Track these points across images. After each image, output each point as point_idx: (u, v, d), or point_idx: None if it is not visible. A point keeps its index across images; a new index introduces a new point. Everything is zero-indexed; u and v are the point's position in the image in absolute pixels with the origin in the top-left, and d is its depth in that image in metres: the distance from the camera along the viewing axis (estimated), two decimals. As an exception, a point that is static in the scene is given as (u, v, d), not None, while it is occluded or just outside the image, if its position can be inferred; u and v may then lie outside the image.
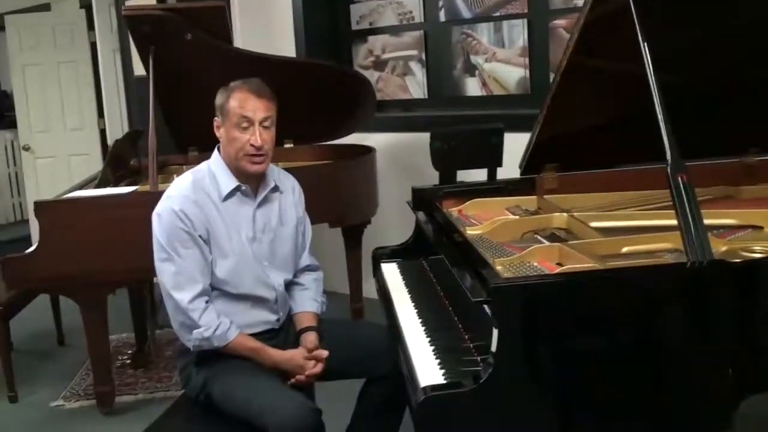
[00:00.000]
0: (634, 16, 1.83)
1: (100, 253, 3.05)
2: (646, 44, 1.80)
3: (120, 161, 3.86)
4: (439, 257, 2.25)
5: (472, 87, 4.39)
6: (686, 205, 1.63)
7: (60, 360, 4.08)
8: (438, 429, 1.54)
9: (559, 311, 1.54)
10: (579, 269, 1.78)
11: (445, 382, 1.65)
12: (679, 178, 1.66)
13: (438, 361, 1.79)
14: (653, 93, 1.76)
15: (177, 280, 2.15)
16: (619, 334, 1.56)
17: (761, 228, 2.20)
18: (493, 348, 1.52)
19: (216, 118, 2.25)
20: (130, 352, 3.95)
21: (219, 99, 2.24)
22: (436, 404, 1.52)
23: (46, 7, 6.62)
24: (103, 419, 3.30)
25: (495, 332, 1.52)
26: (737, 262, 1.64)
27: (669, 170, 1.68)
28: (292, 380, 2.19)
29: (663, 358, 1.56)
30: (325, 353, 2.21)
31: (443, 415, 1.52)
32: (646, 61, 1.78)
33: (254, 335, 2.24)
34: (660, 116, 1.74)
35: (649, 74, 1.78)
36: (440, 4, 4.46)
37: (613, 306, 1.57)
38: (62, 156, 6.44)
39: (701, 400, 1.57)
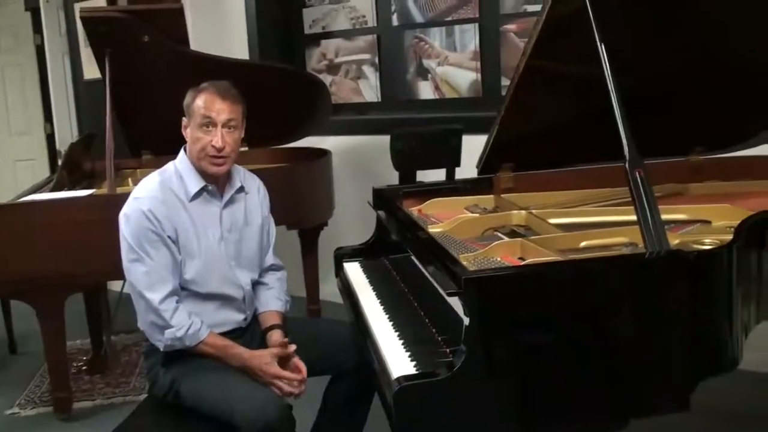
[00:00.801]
0: (591, 18, 1.90)
1: (57, 256, 3.02)
2: (603, 45, 1.87)
3: (75, 165, 3.82)
4: (402, 256, 2.30)
5: (425, 90, 4.46)
6: (644, 198, 1.71)
7: (13, 368, 4.02)
8: (414, 418, 1.58)
9: (529, 301, 1.60)
10: (546, 261, 1.85)
11: (417, 372, 1.69)
12: (637, 173, 1.74)
13: (408, 353, 1.84)
14: (611, 92, 1.84)
15: (147, 281, 2.16)
16: (584, 322, 1.62)
17: (709, 222, 2.31)
18: (465, 338, 1.58)
19: (184, 118, 2.27)
20: (85, 358, 3.91)
21: (187, 99, 2.25)
22: (411, 394, 1.56)
23: (-12, 11, 6.50)
24: (62, 425, 3.27)
25: (466, 321, 1.58)
26: (693, 252, 1.73)
27: (627, 166, 1.76)
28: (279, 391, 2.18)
29: (626, 343, 1.63)
30: (293, 347, 2.22)
31: (418, 404, 1.56)
32: (603, 62, 1.86)
33: (222, 334, 2.25)
34: (618, 115, 1.81)
35: (606, 74, 1.86)
36: (393, 8, 4.52)
37: (579, 295, 1.64)
38: (7, 161, 6.31)
39: (661, 384, 1.65)
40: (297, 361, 2.21)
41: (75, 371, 3.76)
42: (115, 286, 4.18)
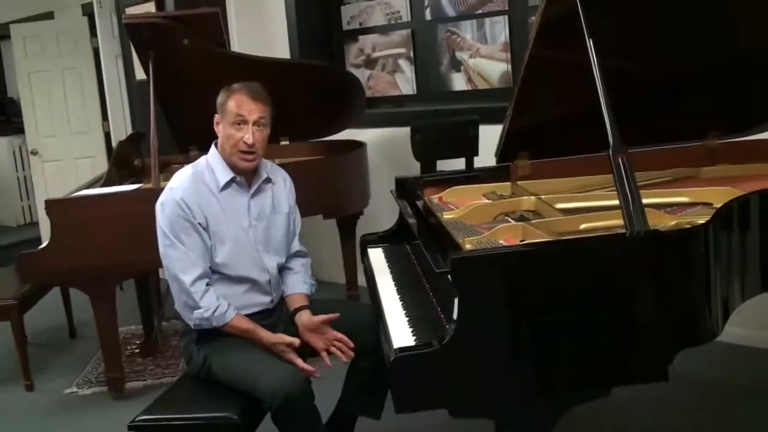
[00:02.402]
0: (580, 12, 2.01)
1: (107, 247, 3.26)
2: (591, 40, 1.98)
3: (124, 162, 4.06)
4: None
5: (458, 82, 4.59)
6: (625, 182, 1.82)
7: (72, 351, 4.31)
8: (408, 385, 1.73)
9: (510, 279, 1.73)
10: (532, 242, 1.98)
11: (414, 344, 1.84)
12: (620, 159, 1.85)
13: (411, 329, 1.99)
14: (597, 83, 1.94)
15: (180, 264, 2.36)
16: (566, 298, 1.75)
17: (711, 205, 2.39)
18: (455, 313, 1.72)
19: (216, 115, 2.46)
20: (138, 342, 4.17)
21: (220, 98, 2.45)
22: (405, 363, 1.71)
23: (49, 15, 6.85)
24: (114, 404, 3.52)
25: (456, 300, 1.72)
26: (667, 231, 1.84)
27: (611, 152, 1.87)
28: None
29: (607, 316, 1.75)
30: (296, 340, 2.40)
31: (413, 373, 1.71)
32: (590, 53, 1.97)
33: (250, 315, 2.45)
34: (603, 104, 1.92)
35: (593, 65, 1.97)
36: (426, 3, 4.66)
37: (561, 273, 1.76)
38: (69, 159, 6.66)
39: (641, 355, 1.76)
40: (333, 332, 2.42)
41: (128, 354, 4.02)
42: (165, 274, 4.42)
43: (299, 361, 2.35)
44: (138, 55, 3.75)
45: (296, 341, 2.39)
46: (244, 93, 2.41)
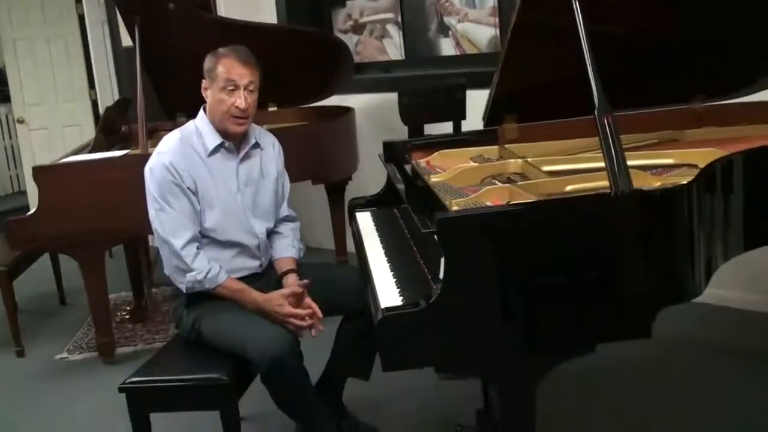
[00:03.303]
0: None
1: (94, 213, 3.28)
2: (577, 2, 1.99)
3: (111, 128, 4.05)
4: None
5: (447, 47, 4.57)
6: (610, 143, 1.83)
7: (62, 318, 4.34)
8: (395, 344, 1.75)
9: (496, 239, 1.74)
10: (518, 202, 2.00)
11: (401, 304, 1.86)
12: (605, 120, 1.86)
13: (399, 289, 2.01)
14: (583, 45, 1.95)
15: (170, 228, 2.37)
16: (552, 257, 1.76)
17: (696, 166, 2.41)
18: (441, 273, 1.74)
19: (204, 80, 2.45)
20: (128, 308, 4.19)
21: (208, 63, 2.43)
22: (392, 322, 1.73)
23: (34, -18, 6.75)
24: (105, 368, 3.55)
25: (442, 260, 1.74)
26: (650, 190, 1.85)
27: (596, 113, 1.88)
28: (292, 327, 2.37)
29: (591, 274, 1.77)
30: (303, 284, 2.41)
31: (398, 331, 1.73)
32: (576, 15, 1.97)
33: (239, 279, 2.46)
34: (589, 67, 1.93)
35: (579, 27, 1.97)
36: (414, -33, 4.63)
37: (547, 233, 1.77)
38: (56, 127, 6.62)
39: (626, 312, 1.79)
40: (308, 300, 2.40)
41: (119, 320, 4.05)
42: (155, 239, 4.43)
43: (297, 311, 2.35)
44: (124, 21, 3.73)
45: (302, 285, 2.41)
46: (233, 57, 2.40)
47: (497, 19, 4.28)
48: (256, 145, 2.57)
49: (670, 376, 3.02)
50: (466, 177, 2.49)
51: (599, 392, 2.93)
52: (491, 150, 2.81)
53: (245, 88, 2.40)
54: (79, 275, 3.45)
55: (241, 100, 2.39)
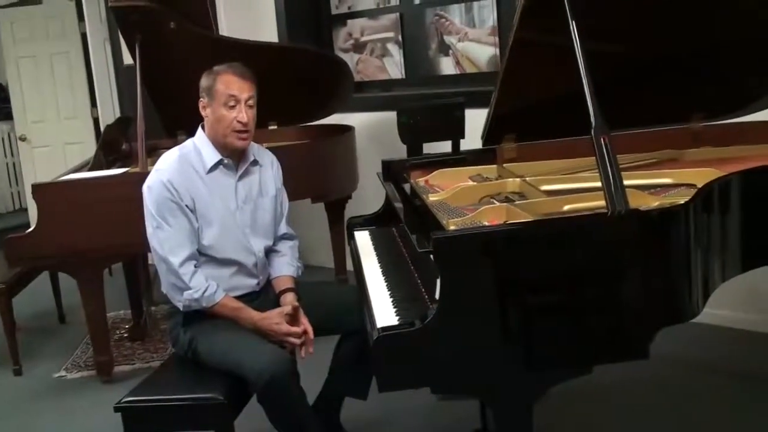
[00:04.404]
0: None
1: (93, 230, 3.27)
2: (574, 22, 1.99)
3: (111, 146, 4.06)
4: (407, 223, 2.46)
5: (447, 66, 4.59)
6: (607, 162, 1.83)
7: (61, 336, 4.32)
8: (391, 364, 1.73)
9: (492, 259, 1.74)
10: (514, 222, 1.99)
11: (397, 323, 1.85)
12: (602, 139, 1.86)
13: (395, 309, 2.00)
14: (580, 64, 1.95)
15: (168, 246, 2.37)
16: (549, 277, 1.75)
17: (694, 186, 2.40)
18: (437, 293, 1.73)
19: (201, 99, 2.46)
20: (127, 327, 4.18)
21: (205, 81, 2.44)
22: (388, 342, 1.72)
23: (37, 0, 6.79)
24: (103, 387, 3.52)
25: (438, 280, 1.74)
26: (647, 210, 1.85)
27: (593, 132, 1.88)
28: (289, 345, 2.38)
29: (588, 295, 1.76)
30: (296, 305, 2.42)
31: (394, 351, 1.72)
32: (573, 35, 1.98)
33: (237, 297, 2.46)
34: (585, 87, 1.93)
35: (576, 47, 1.97)
36: (414, -14, 4.65)
37: (544, 253, 1.77)
38: (58, 145, 6.62)
39: (623, 333, 1.78)
40: (303, 319, 2.40)
41: (117, 339, 4.04)
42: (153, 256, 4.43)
43: (294, 329, 2.36)
44: (125, 39, 3.74)
45: (287, 309, 2.41)
46: (231, 73, 2.42)
47: (497, 39, 4.30)
48: (255, 163, 2.57)
49: (667, 396, 3.00)
50: (464, 196, 2.48)
51: (596, 413, 2.90)
52: (490, 169, 2.81)
53: (245, 103, 2.41)
54: (78, 292, 3.43)
55: (243, 114, 2.40)
